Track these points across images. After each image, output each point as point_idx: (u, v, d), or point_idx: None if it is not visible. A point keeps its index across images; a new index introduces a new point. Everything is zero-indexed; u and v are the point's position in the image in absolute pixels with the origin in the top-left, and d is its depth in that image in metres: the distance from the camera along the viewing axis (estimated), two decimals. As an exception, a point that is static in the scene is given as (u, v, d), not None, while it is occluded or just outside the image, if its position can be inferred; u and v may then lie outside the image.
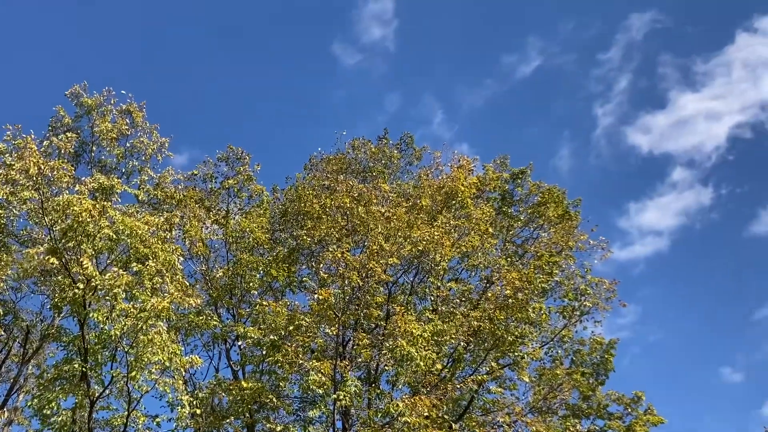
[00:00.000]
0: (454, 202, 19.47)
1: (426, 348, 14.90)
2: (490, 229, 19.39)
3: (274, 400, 14.92)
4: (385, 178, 22.68)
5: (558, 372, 19.32)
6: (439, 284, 18.71)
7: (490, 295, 18.14)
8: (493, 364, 17.80)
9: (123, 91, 21.27)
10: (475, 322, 17.03)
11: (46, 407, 15.31)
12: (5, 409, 18.66)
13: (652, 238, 60.11)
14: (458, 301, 18.75)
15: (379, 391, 16.26)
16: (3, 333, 18.07)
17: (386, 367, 16.17)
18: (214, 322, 18.49)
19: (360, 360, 16.23)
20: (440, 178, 20.21)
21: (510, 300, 17.21)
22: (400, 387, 16.40)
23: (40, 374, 18.96)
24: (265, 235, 20.17)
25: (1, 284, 15.88)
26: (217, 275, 20.17)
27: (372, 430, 14.69)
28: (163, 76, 57.52)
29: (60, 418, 15.89)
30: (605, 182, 61.89)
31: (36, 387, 18.20)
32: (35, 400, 16.34)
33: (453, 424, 15.47)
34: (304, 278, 19.38)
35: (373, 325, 16.99)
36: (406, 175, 24.36)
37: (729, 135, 59.40)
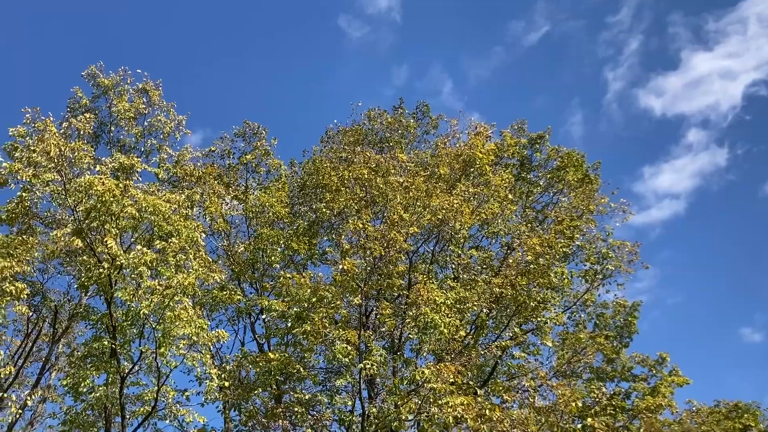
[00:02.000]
0: (472, 169, 19.37)
1: (449, 315, 14.97)
2: (510, 196, 19.31)
3: (301, 370, 15.13)
4: (402, 148, 22.61)
5: (581, 336, 19.36)
6: (459, 252, 18.71)
7: (511, 261, 18.14)
8: (516, 329, 17.85)
9: (139, 70, 21.30)
10: (497, 289, 17.07)
11: (82, 385, 15.63)
12: (39, 387, 19.11)
13: (668, 201, 59.61)
14: (479, 268, 18.76)
15: (403, 359, 16.40)
16: (33, 313, 18.42)
17: (410, 336, 16.30)
18: (238, 297, 18.68)
19: (384, 329, 16.36)
20: (457, 146, 20.08)
21: (531, 266, 17.21)
22: (424, 355, 16.52)
23: (70, 353, 19.37)
24: (285, 209, 20.24)
25: (28, 266, 16.09)
26: (239, 250, 20.34)
27: (398, 398, 14.86)
28: (170, 55, 57.48)
29: (95, 395, 16.25)
30: (618, 147, 61.28)
31: (67, 365, 18.62)
32: (68, 378, 16.72)
33: (478, 390, 15.60)
34: (327, 249, 19.47)
35: (396, 295, 17.07)
36: (423, 144, 24.26)
37: (745, 94, 58.34)
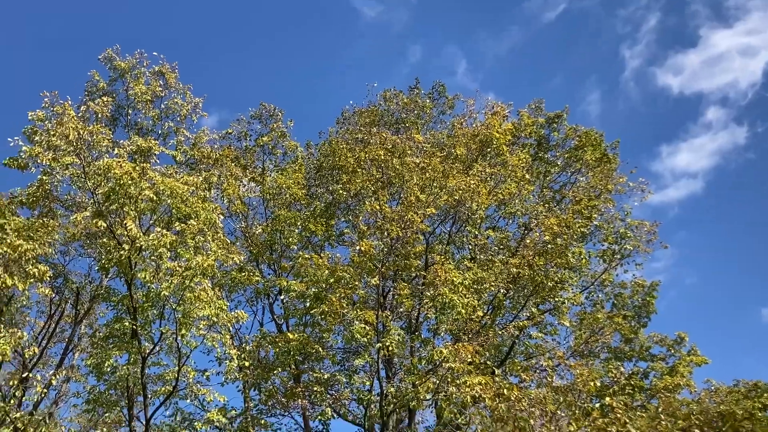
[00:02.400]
0: (489, 149, 19.28)
1: (466, 296, 15.00)
2: (527, 176, 19.21)
3: (320, 350, 15.27)
4: (419, 129, 22.52)
5: (599, 316, 19.32)
6: (476, 233, 18.69)
7: (528, 241, 18.10)
8: (533, 309, 17.84)
9: (155, 53, 21.33)
10: (515, 269, 17.06)
11: (105, 365, 15.88)
12: (62, 367, 19.44)
13: (686, 180, 58.90)
14: (496, 248, 18.74)
15: (421, 339, 16.48)
16: (55, 295, 18.68)
17: (427, 316, 16.37)
18: (257, 278, 18.82)
19: (401, 310, 16.44)
20: (474, 126, 19.97)
21: (549, 246, 17.16)
22: (441, 335, 16.58)
23: (92, 333, 19.66)
24: (302, 191, 20.31)
25: (50, 248, 16.31)
26: (257, 232, 20.47)
27: (416, 378, 14.96)
28: (183, 37, 57.45)
29: (118, 374, 16.52)
30: (636, 126, 60.50)
31: (90, 346, 18.92)
32: (91, 359, 16.99)
33: (496, 370, 15.66)
34: (344, 230, 19.53)
35: (413, 275, 17.11)
36: (439, 124, 24.15)
37: (765, 71, 57.25)
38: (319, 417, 16.50)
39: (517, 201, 19.28)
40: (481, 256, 18.34)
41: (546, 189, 22.13)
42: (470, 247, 19.19)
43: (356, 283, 15.44)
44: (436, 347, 14.84)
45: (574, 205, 19.44)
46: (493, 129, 18.96)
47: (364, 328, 14.52)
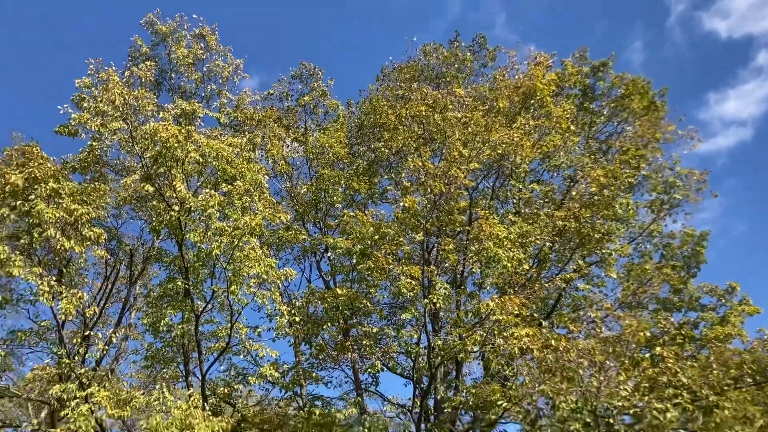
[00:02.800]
0: (532, 101, 18.92)
1: (511, 249, 14.97)
2: (572, 127, 18.84)
3: (368, 305, 15.50)
4: (460, 83, 22.21)
5: (647, 267, 19.09)
6: (521, 186, 18.53)
7: (574, 194, 17.88)
8: (580, 262, 17.73)
9: (195, 15, 21.44)
10: (560, 222, 16.91)
11: (161, 323, 16.44)
12: (120, 326, 20.22)
13: (734, 128, 56.97)
14: (541, 202, 18.58)
15: (467, 293, 16.58)
16: (110, 257, 19.30)
17: (472, 270, 16.42)
18: (303, 236, 19.10)
19: (446, 265, 16.52)
20: (516, 77, 19.58)
21: (595, 197, 16.93)
22: (487, 288, 16.65)
23: (147, 293, 20.33)
24: (344, 150, 20.38)
25: (103, 212, 16.81)
26: (301, 191, 20.69)
27: (462, 330, 15.10)
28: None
29: (173, 332, 17.12)
30: (682, 73, 58.48)
31: (145, 305, 19.59)
32: (147, 317, 17.62)
33: (543, 322, 15.68)
34: (387, 188, 19.59)
35: (457, 231, 17.13)
36: (480, 77, 23.75)
37: (820, 9, 54.40)
38: (369, 370, 16.86)
39: (562, 153, 18.98)
40: (526, 210, 18.21)
41: (591, 140, 21.71)
42: (514, 201, 19.05)
43: (401, 239, 15.53)
44: (483, 301, 14.91)
45: (621, 155, 19.06)
46: (536, 80, 18.57)
47: (410, 283, 14.65)
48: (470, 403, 16.39)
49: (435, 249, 17.01)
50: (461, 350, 15.38)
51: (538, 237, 16.53)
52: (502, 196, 19.38)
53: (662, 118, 21.04)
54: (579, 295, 18.04)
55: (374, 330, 16.17)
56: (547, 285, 16.89)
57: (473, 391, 16.32)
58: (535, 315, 16.27)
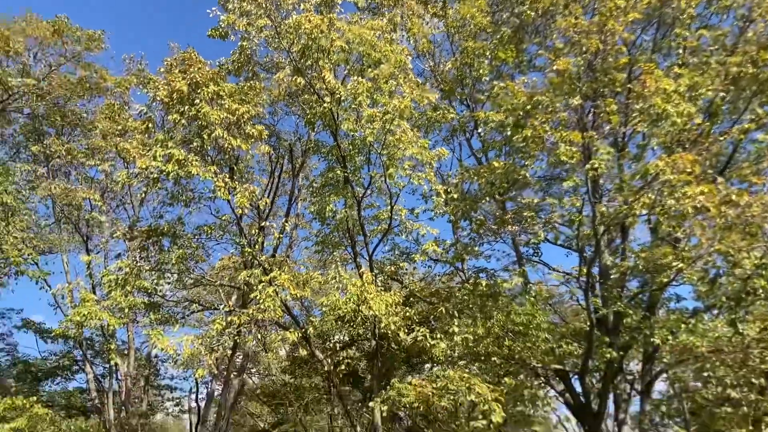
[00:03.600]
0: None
1: (680, 104, 13.85)
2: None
3: (526, 176, 15.24)
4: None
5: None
6: (686, 34, 16.84)
7: (750, 35, 16.02)
8: (758, 110, 16.10)
9: None
10: (734, 69, 15.34)
11: (327, 209, 17.33)
12: (290, 216, 21.58)
13: None
14: (711, 49, 16.84)
15: (630, 155, 15.77)
16: (273, 152, 20.35)
17: (636, 130, 15.49)
18: (451, 115, 18.89)
19: (607, 128, 15.72)
20: None
21: (776, 36, 15.06)
22: (654, 148, 15.69)
23: (309, 184, 21.38)
24: (486, 19, 19.48)
25: (260, 109, 17.56)
26: (446, 69, 20.27)
27: (629, 194, 14.49)
28: None
29: (337, 217, 18.01)
30: None
31: (309, 195, 20.66)
32: (312, 206, 18.63)
33: (717, 177, 14.64)
34: (538, 53, 18.62)
35: (617, 91, 16.09)
36: None
37: None
38: (532, 240, 16.85)
39: (733, -10, 16.90)
40: (693, 60, 16.64)
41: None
42: (679, 52, 17.43)
43: (556, 105, 14.87)
44: (650, 161, 14.13)
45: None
46: None
47: (570, 149, 14.14)
48: (639, 267, 15.99)
49: (592, 113, 16.18)
50: (627, 215, 14.85)
51: (710, 88, 15.13)
52: (665, 49, 17.79)
53: None
54: (760, 147, 16.44)
55: (534, 201, 15.95)
56: (721, 138, 15.60)
57: (642, 255, 15.86)
58: (708, 172, 15.21)
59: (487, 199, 16.60)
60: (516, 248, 18.37)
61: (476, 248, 17.67)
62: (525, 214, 15.97)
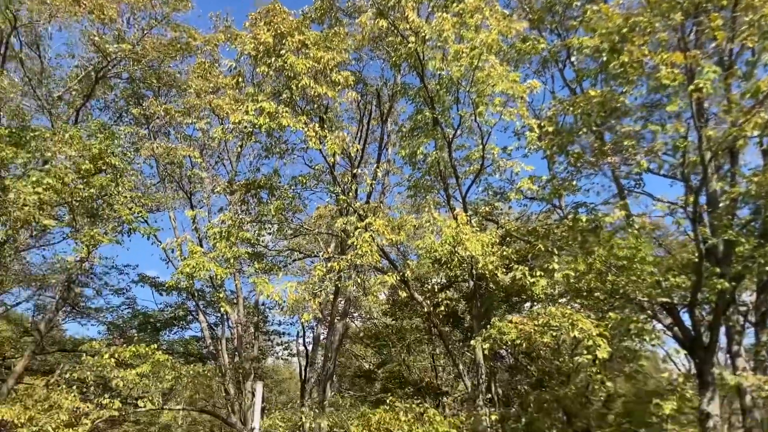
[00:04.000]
0: None
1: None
2: None
3: (626, 103, 14.50)
4: None
5: None
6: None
7: None
8: None
9: None
10: None
11: (418, 152, 17.26)
12: (381, 162, 21.65)
13: None
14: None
15: (740, 74, 14.64)
16: (360, 98, 20.35)
17: (745, 46, 14.31)
18: (542, 45, 18.11)
19: (712, 46, 14.65)
20: None
21: None
22: (766, 64, 14.48)
23: (398, 129, 21.31)
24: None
25: (346, 54, 17.50)
26: (533, -4, 19.37)
27: (737, 116, 13.52)
28: None
29: (428, 160, 17.91)
30: None
31: (399, 140, 20.61)
32: (403, 150, 18.58)
33: None
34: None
35: (722, 5, 14.86)
36: None
37: None
38: (634, 171, 16.14)
39: None
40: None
41: None
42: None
43: (655, 25, 13.93)
44: (761, 79, 13.08)
45: None
46: None
47: (672, 72, 13.29)
48: (751, 192, 15.03)
49: (695, 31, 15.08)
50: (737, 138, 13.93)
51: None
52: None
53: None
54: None
55: (636, 128, 15.18)
56: None
57: (754, 179, 14.88)
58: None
59: (584, 130, 15.95)
60: (616, 180, 17.66)
61: (574, 183, 17.13)
62: (625, 143, 15.25)
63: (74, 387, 17.28)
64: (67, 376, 17.98)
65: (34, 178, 15.58)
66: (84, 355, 18.46)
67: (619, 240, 15.36)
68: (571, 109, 15.35)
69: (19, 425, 14.99)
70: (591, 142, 16.39)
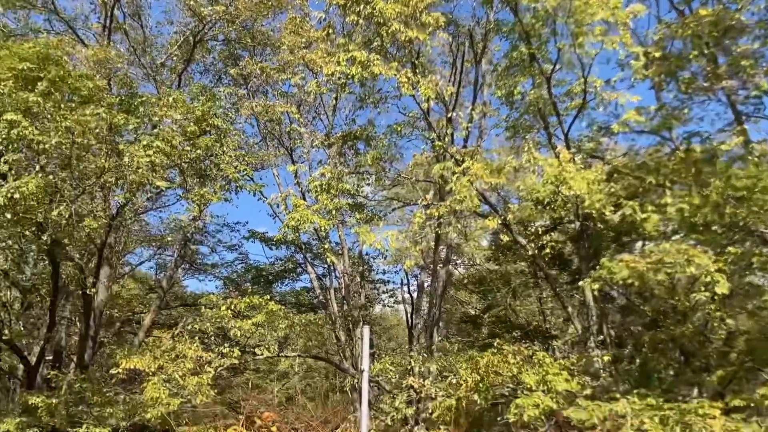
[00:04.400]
0: None
1: None
2: None
3: (742, 20, 13.29)
4: None
5: None
6: None
7: None
8: None
9: None
10: None
11: (515, 91, 16.70)
12: (476, 104, 21.13)
13: None
14: None
15: None
16: (452, 39, 19.82)
17: None
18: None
19: None
20: None
21: None
22: None
23: (493, 68, 20.67)
24: None
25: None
26: None
27: None
28: None
29: (526, 98, 17.31)
30: None
31: (494, 80, 20.01)
32: (499, 90, 18.06)
33: None
34: None
35: None
36: None
37: None
38: (753, 93, 14.88)
39: None
40: None
41: None
42: None
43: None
44: None
45: None
46: None
47: (796, -21, 12.02)
48: None
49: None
50: None
51: None
52: None
53: None
54: None
55: (754, 47, 13.92)
56: None
57: None
58: None
59: (695, 53, 14.81)
60: (733, 106, 16.36)
61: (685, 111, 16.05)
62: (742, 63, 14.04)
63: (196, 338, 18.40)
64: (190, 327, 19.16)
65: (144, 142, 16.37)
66: (203, 308, 19.60)
67: (738, 170, 14.32)
68: (680, 31, 14.25)
69: (150, 373, 16.16)
70: (703, 66, 15.22)
